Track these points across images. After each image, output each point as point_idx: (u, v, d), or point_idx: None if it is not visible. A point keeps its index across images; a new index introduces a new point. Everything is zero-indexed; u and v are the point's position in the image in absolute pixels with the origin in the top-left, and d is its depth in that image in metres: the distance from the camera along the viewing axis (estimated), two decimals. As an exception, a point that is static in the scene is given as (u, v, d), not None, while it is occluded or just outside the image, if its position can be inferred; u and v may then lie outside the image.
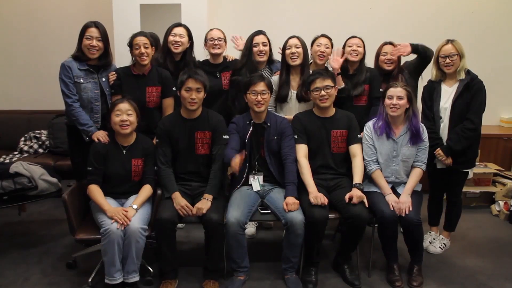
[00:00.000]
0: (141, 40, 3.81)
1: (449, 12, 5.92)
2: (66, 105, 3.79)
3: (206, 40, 4.26)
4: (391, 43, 4.25)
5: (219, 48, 4.21)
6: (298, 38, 4.02)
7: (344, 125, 3.74)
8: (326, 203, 3.41)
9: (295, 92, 4.01)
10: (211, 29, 4.28)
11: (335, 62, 3.97)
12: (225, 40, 4.26)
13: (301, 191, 3.59)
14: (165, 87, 3.92)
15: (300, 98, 3.94)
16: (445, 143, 3.87)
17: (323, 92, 3.65)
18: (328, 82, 3.65)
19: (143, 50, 3.80)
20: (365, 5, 5.94)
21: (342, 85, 3.97)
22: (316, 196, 3.42)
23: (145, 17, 5.08)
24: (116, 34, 4.96)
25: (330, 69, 4.05)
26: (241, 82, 3.96)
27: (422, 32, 5.78)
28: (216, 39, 4.18)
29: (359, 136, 3.76)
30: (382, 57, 4.25)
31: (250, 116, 3.74)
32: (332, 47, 4.12)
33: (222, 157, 3.62)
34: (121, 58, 4.17)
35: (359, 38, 4.13)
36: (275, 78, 4.08)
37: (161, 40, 4.20)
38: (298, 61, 3.98)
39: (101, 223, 3.26)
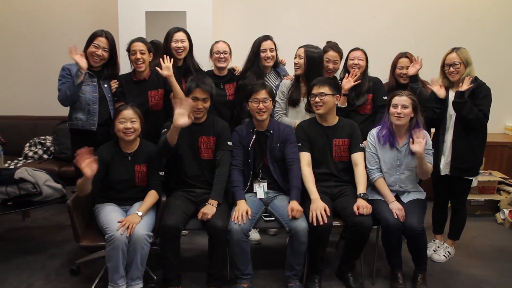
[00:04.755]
0: (138, 46, 3.87)
1: (453, 20, 5.93)
2: (59, 96, 3.80)
3: (211, 52, 4.29)
4: (406, 56, 4.27)
5: (224, 62, 4.24)
6: (304, 48, 4.02)
7: (346, 134, 3.75)
8: (325, 221, 3.37)
9: (304, 98, 4.05)
10: (216, 42, 4.30)
11: (346, 83, 3.98)
12: (230, 53, 4.29)
13: (305, 199, 3.58)
14: (167, 88, 3.96)
15: (308, 109, 3.96)
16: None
17: (317, 99, 3.66)
18: (324, 89, 3.65)
19: (138, 55, 3.86)
20: (369, 13, 5.95)
21: (345, 105, 4.00)
22: (317, 207, 3.40)
23: (151, 24, 5.11)
24: (122, 41, 4.97)
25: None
26: (246, 87, 3.99)
27: (426, 40, 5.82)
28: (222, 53, 4.20)
29: (362, 145, 3.76)
30: (398, 71, 4.29)
31: (253, 124, 3.76)
32: (341, 59, 4.15)
33: (226, 163, 3.66)
34: (126, 65, 4.19)
35: (361, 50, 4.15)
36: (286, 82, 4.13)
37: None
38: (299, 71, 4.03)
39: (106, 229, 3.26)
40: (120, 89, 3.97)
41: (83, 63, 3.71)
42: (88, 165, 3.17)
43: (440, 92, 3.86)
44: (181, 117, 3.36)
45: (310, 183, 3.60)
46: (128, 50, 3.93)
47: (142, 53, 3.87)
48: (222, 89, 4.25)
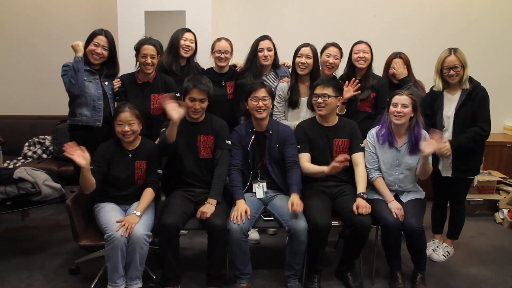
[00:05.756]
0: (149, 50, 3.85)
1: (453, 20, 5.93)
2: (66, 87, 3.81)
3: (213, 49, 4.28)
4: (400, 57, 4.27)
5: (225, 61, 4.24)
6: (311, 47, 4.06)
7: (346, 134, 3.74)
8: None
9: (303, 98, 4.07)
10: (219, 40, 4.27)
11: (346, 92, 3.95)
12: (231, 51, 4.28)
13: (303, 199, 3.58)
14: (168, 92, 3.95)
15: (312, 106, 3.94)
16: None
17: (319, 100, 3.65)
18: (327, 91, 3.64)
19: (149, 60, 3.85)
20: (369, 13, 5.95)
21: (343, 112, 4.02)
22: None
23: (150, 24, 5.10)
24: (121, 40, 4.98)
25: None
26: (244, 86, 4.01)
27: (425, 40, 5.82)
28: (223, 52, 4.20)
29: (362, 145, 3.77)
30: (391, 71, 4.27)
31: (252, 124, 3.76)
32: (341, 57, 4.16)
33: (225, 162, 3.66)
34: (126, 65, 4.19)
35: (365, 43, 4.14)
36: (282, 85, 4.12)
37: (163, 45, 4.20)
38: (306, 71, 4.03)
39: (105, 229, 3.26)
40: (122, 89, 3.97)
41: (79, 46, 3.77)
42: (80, 155, 3.21)
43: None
44: (175, 111, 3.37)
45: (315, 167, 3.63)
46: (137, 50, 3.90)
47: (152, 57, 3.87)
48: (223, 87, 4.26)
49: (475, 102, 3.78)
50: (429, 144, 3.45)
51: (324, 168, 3.51)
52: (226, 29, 5.50)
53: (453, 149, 3.78)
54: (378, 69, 4.30)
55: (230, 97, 4.28)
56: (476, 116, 3.80)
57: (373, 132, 3.77)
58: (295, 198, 3.46)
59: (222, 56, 4.21)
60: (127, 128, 3.49)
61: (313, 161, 3.72)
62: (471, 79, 3.84)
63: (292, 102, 4.09)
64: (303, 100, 4.09)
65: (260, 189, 3.74)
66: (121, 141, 3.60)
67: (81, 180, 3.32)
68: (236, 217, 3.39)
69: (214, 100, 3.76)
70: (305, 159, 3.70)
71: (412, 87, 4.13)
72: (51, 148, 5.69)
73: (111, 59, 3.97)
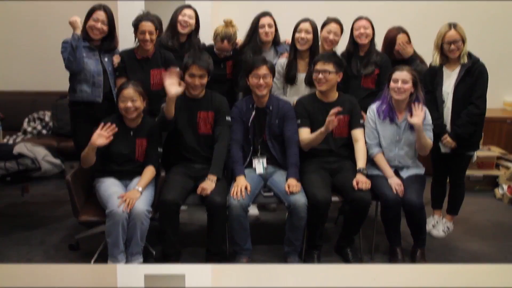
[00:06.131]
0: (147, 26, 3.80)
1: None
2: (65, 64, 3.79)
3: (215, 38, 4.11)
4: (404, 31, 4.21)
5: (224, 56, 4.17)
6: (310, 22, 4.00)
7: (346, 110, 3.71)
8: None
9: (302, 74, 4.02)
10: (222, 40, 4.02)
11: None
12: (233, 45, 4.18)
13: (303, 174, 3.59)
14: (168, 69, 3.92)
15: (309, 82, 3.92)
16: (450, 129, 3.85)
17: (320, 75, 3.63)
18: (328, 67, 3.61)
19: (147, 37, 3.80)
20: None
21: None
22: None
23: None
24: (121, 16, 4.91)
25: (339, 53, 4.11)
26: (243, 62, 3.99)
27: (426, 17, 5.76)
28: (224, 51, 4.12)
29: (361, 121, 3.75)
30: (397, 47, 4.19)
31: (253, 100, 3.73)
32: (341, 33, 4.11)
33: (225, 138, 3.65)
34: (125, 40, 4.15)
35: (366, 18, 4.07)
36: (281, 61, 4.08)
37: (164, 22, 4.14)
38: (306, 47, 3.98)
39: (106, 204, 3.27)
40: (122, 65, 3.95)
41: (76, 22, 3.74)
42: (101, 136, 3.32)
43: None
44: (172, 87, 3.37)
45: (312, 134, 3.64)
46: (135, 27, 3.86)
47: (150, 34, 3.83)
48: (223, 68, 4.21)
49: (474, 77, 3.77)
50: (416, 115, 3.47)
51: (322, 129, 3.52)
52: (226, 15, 5.45)
53: (454, 139, 3.82)
54: (379, 46, 4.26)
55: (229, 77, 4.25)
56: (473, 91, 3.79)
57: (373, 107, 3.75)
58: (291, 181, 3.49)
59: (222, 55, 4.15)
60: (129, 104, 3.47)
61: (313, 136, 3.72)
62: (470, 55, 3.82)
63: (289, 78, 4.04)
64: (301, 76, 4.04)
65: (260, 164, 3.73)
66: (123, 118, 3.59)
67: (85, 155, 3.35)
68: (236, 193, 3.39)
69: (213, 78, 3.73)
70: (305, 133, 3.69)
71: (420, 64, 4.10)
72: (50, 123, 5.69)
73: (110, 34, 3.93)
